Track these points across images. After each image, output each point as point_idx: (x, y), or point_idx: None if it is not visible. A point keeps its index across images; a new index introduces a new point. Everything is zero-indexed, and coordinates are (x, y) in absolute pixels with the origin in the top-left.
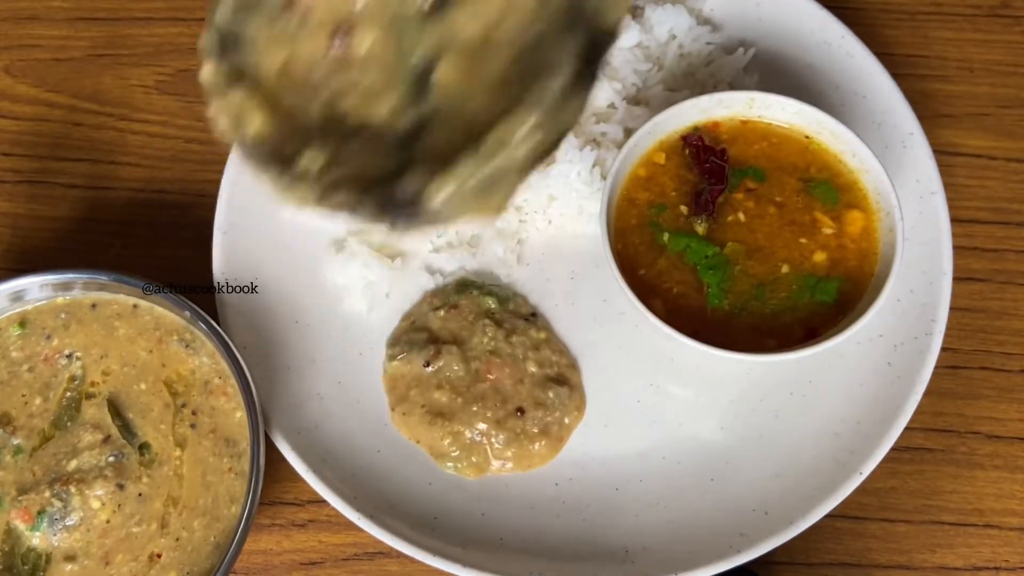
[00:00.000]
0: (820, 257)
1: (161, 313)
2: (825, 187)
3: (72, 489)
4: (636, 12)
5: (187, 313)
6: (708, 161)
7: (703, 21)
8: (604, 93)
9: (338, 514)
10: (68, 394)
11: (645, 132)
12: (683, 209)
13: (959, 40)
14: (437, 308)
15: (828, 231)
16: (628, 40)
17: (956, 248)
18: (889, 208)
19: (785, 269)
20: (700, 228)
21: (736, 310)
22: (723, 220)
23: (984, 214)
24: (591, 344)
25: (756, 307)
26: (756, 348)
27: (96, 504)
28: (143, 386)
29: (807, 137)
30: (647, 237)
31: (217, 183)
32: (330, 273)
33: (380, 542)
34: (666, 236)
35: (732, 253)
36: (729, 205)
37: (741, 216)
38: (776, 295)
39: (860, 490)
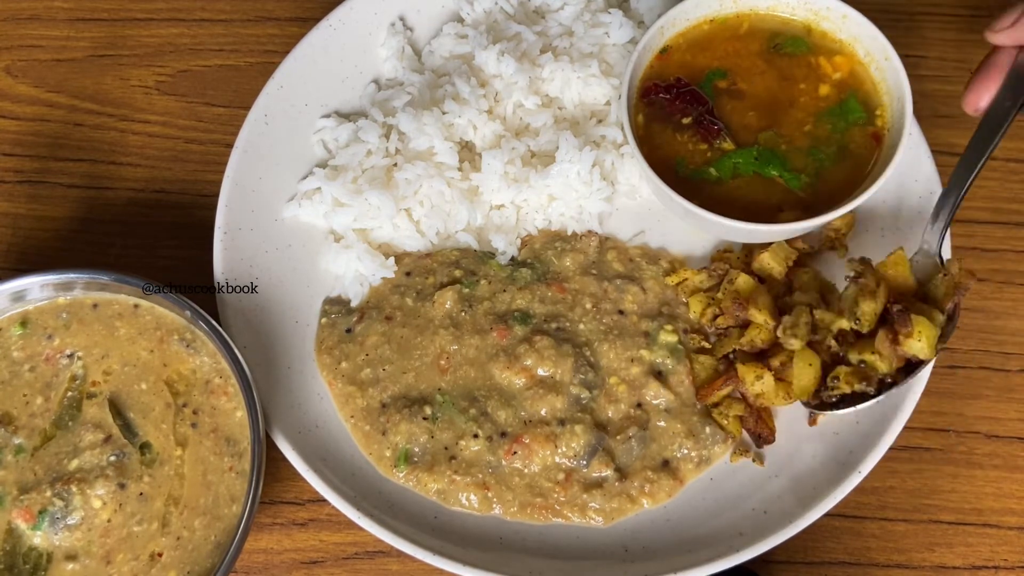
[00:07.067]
0: (825, 90)
1: (162, 313)
2: (796, 42)
3: (73, 488)
4: (624, 6)
5: (188, 313)
6: (677, 96)
7: None
8: (602, 90)
9: (338, 513)
10: (69, 394)
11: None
12: (701, 146)
13: (958, 40)
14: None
15: (827, 68)
16: (622, 36)
17: (956, 248)
18: (885, 52)
19: (807, 127)
20: (727, 144)
21: (809, 179)
22: (733, 124)
23: (983, 214)
24: None
25: (811, 165)
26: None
27: (97, 503)
28: (144, 386)
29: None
30: (684, 181)
31: (217, 183)
32: (324, 261)
33: (380, 541)
34: (713, 170)
35: (767, 140)
36: (725, 110)
37: (739, 113)
38: (817, 142)
39: (859, 489)
